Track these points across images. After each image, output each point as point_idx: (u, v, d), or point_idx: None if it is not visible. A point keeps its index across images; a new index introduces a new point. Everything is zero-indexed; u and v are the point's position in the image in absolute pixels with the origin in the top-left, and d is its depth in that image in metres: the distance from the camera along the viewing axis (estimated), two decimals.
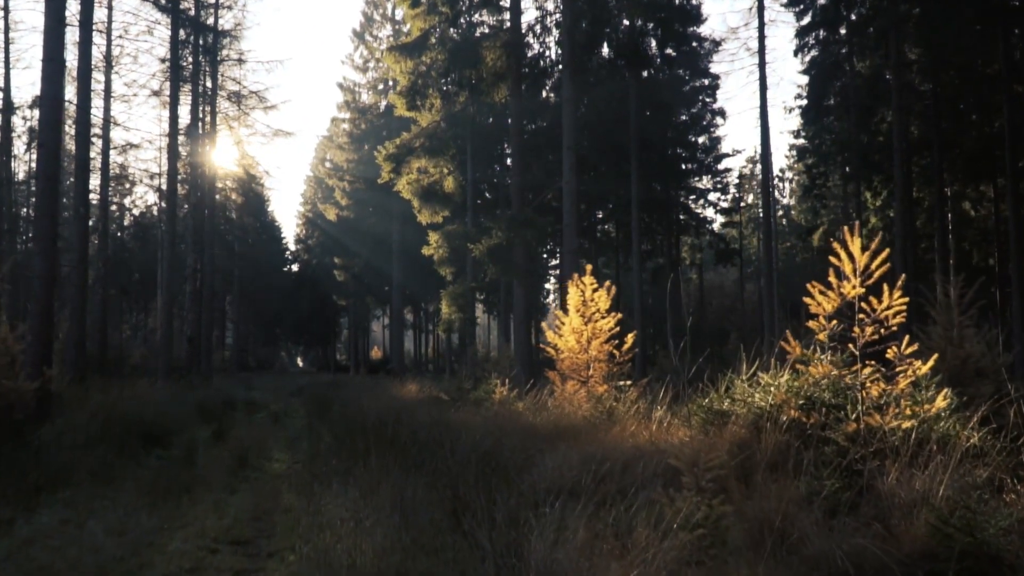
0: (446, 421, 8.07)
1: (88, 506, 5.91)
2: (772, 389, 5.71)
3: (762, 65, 24.40)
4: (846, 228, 4.73)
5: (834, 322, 4.99)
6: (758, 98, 24.54)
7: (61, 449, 7.51)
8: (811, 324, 5.08)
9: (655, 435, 6.46)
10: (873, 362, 4.83)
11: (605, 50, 30.30)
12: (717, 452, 4.95)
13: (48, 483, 6.42)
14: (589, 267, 10.34)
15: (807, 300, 5.04)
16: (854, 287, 4.76)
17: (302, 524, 4.97)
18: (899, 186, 19.74)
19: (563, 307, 11.57)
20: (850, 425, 4.54)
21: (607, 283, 10.25)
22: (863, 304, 4.83)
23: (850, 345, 4.88)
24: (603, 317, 10.06)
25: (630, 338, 9.93)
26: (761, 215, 58.79)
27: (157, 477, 6.90)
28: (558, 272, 47.90)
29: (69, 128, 25.46)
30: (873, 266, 4.70)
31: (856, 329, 4.74)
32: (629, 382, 9.92)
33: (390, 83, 39.14)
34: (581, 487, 5.66)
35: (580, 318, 10.18)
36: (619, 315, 10.10)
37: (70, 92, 20.03)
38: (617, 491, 5.44)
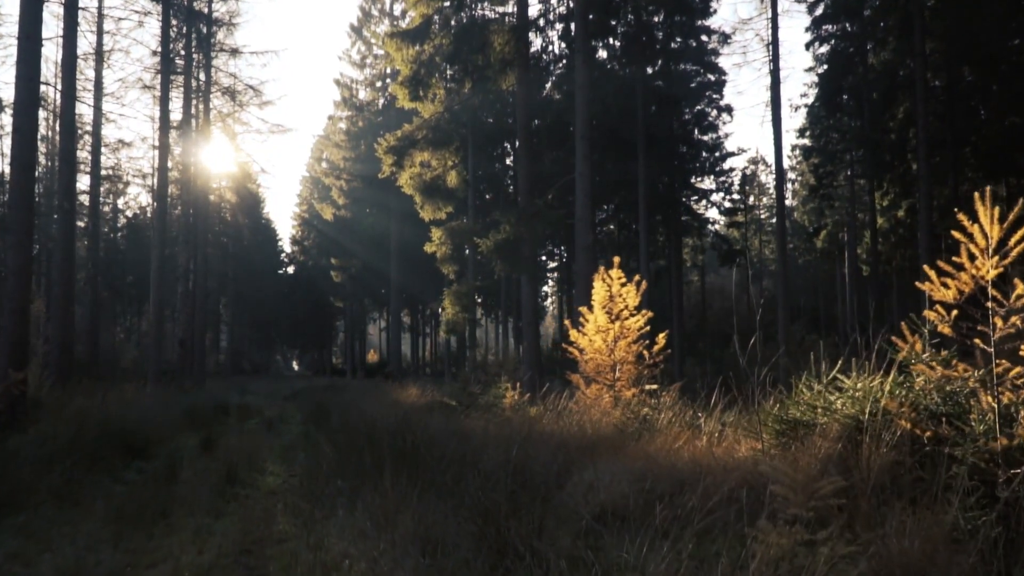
0: (463, 430, 7.13)
1: (45, 535, 4.96)
2: (859, 395, 4.79)
3: (775, 58, 23.52)
4: (977, 195, 3.81)
5: (955, 312, 4.06)
6: (768, 92, 23.81)
7: (23, 463, 6.55)
8: (929, 314, 4.16)
9: (714, 448, 5.52)
10: (1006, 361, 3.92)
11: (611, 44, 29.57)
12: (806, 472, 4.03)
13: (1, 506, 5.46)
14: (617, 259, 9.41)
15: (922, 285, 4.12)
16: (988, 268, 3.83)
17: (300, 562, 4.01)
18: (923, 180, 18.84)
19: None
20: (999, 440, 3.62)
21: (636, 277, 9.32)
22: (994, 291, 3.92)
23: (977, 340, 3.96)
24: (632, 315, 9.13)
25: (661, 338, 9.00)
26: (762, 216, 58.19)
27: (131, 497, 5.94)
28: (556, 275, 47.01)
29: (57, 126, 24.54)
30: (1012, 241, 3.78)
31: (997, 319, 3.81)
32: (657, 386, 9.01)
33: (387, 80, 38.32)
34: (634, 511, 4.73)
35: (606, 315, 9.25)
36: (649, 312, 9.18)
37: (58, 82, 19.10)
38: (678, 517, 4.52)
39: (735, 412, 6.89)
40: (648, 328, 9.17)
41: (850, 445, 4.37)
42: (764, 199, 58.50)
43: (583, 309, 9.61)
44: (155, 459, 8.80)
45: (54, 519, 5.37)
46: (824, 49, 28.74)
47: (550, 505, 4.82)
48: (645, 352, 9.05)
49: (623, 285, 9.20)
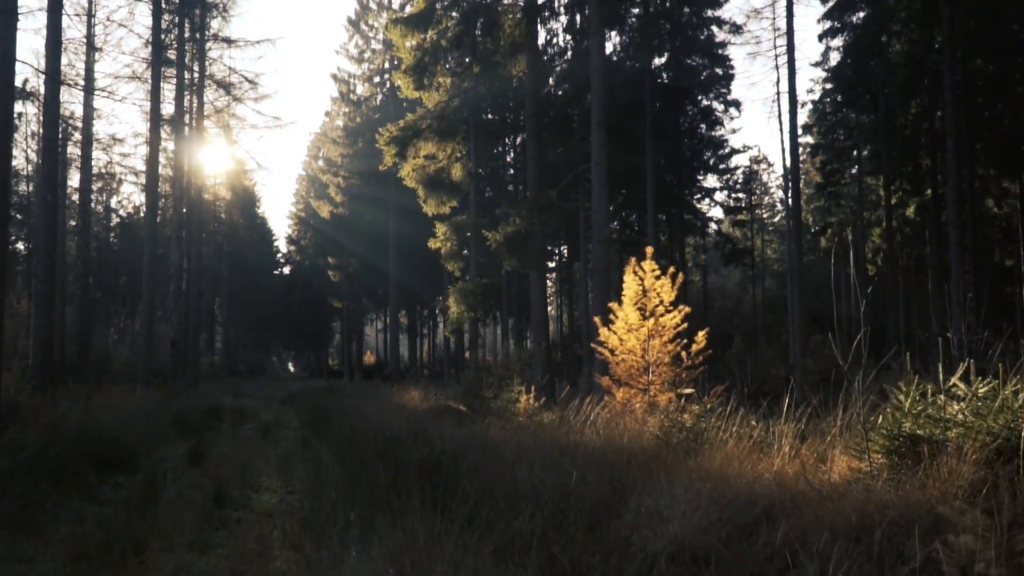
0: (486, 442, 6.21)
1: None
2: (994, 404, 3.90)
3: (790, 48, 22.63)
4: None
5: None
6: (776, 86, 22.99)
7: None
8: None
9: (803, 469, 4.60)
10: None
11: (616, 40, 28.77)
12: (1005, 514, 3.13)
13: None
14: (650, 250, 8.50)
15: None
16: None
17: None
18: (952, 172, 17.98)
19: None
20: None
21: (671, 269, 8.42)
22: None
23: None
24: (667, 311, 8.23)
25: (702, 336, 8.09)
26: (765, 216, 57.29)
27: (101, 524, 5.01)
28: (555, 275, 46.06)
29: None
30: None
31: None
32: (694, 390, 8.10)
33: (385, 75, 37.43)
34: (718, 550, 3.82)
35: (637, 312, 8.34)
36: (687, 308, 8.27)
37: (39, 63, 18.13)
38: (773, 556, 3.63)
39: (788, 421, 5.94)
40: (685, 325, 8.28)
41: (1002, 469, 3.47)
42: (767, 199, 57.72)
43: (613, 305, 8.69)
44: (137, 472, 7.87)
45: (4, 555, 4.44)
46: (838, 41, 27.91)
47: (607, 539, 3.91)
48: (683, 353, 8.15)
49: (657, 278, 8.31)
